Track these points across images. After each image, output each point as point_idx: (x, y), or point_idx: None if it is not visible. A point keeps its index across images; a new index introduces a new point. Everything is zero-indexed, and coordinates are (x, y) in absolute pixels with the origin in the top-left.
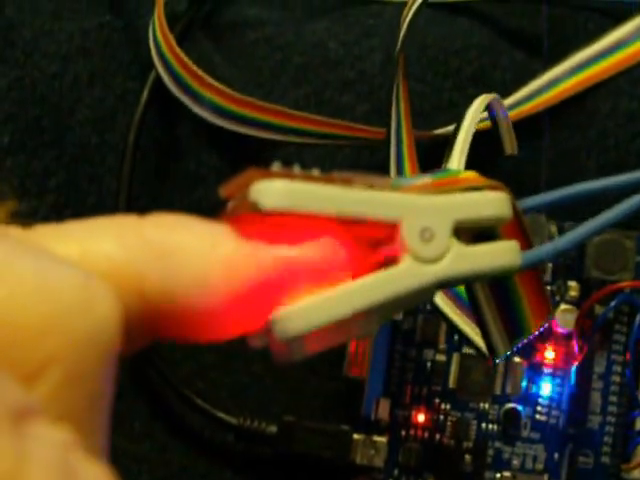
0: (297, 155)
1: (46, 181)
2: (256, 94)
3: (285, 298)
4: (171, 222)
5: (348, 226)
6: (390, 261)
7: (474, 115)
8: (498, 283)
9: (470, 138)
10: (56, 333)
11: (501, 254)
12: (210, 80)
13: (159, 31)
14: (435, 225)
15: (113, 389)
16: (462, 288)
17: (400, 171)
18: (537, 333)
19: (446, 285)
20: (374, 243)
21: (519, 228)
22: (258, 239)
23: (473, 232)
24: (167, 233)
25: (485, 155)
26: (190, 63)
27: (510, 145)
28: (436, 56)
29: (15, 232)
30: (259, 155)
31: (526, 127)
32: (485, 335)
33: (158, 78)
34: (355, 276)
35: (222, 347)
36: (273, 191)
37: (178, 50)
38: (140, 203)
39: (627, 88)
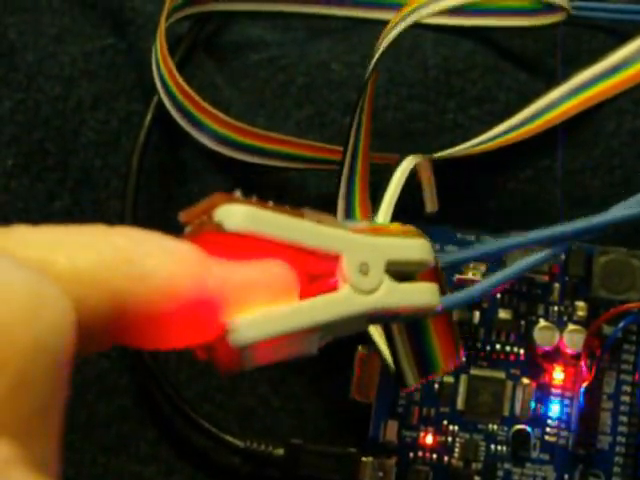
0: (300, 178)
1: (50, 204)
2: (259, 115)
3: (238, 312)
4: (138, 233)
5: (297, 254)
6: (329, 291)
7: (402, 174)
8: (413, 324)
9: (397, 195)
10: (1, 341)
11: (425, 293)
12: (211, 108)
13: (161, 58)
14: (371, 261)
15: (64, 398)
16: None
17: (350, 192)
18: (448, 372)
19: (376, 318)
20: (315, 276)
21: (436, 275)
22: (218, 257)
23: (396, 274)
24: (135, 242)
25: (489, 177)
26: (191, 91)
27: (431, 204)
28: (439, 77)
29: None
30: (262, 178)
31: (530, 147)
32: (397, 367)
33: (161, 101)
34: (300, 299)
35: None
36: (237, 214)
37: (179, 78)
38: (144, 226)
39: (631, 107)
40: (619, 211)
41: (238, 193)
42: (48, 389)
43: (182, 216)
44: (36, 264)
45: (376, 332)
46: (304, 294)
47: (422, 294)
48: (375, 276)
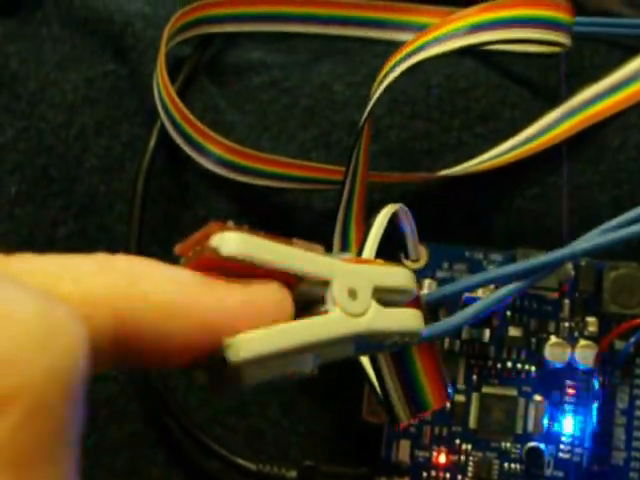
0: (305, 198)
1: (55, 231)
2: (263, 138)
3: (234, 331)
4: (138, 258)
5: (289, 280)
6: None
7: (384, 217)
8: (400, 359)
9: (379, 237)
10: (17, 367)
11: (410, 318)
12: (213, 133)
13: (162, 84)
14: (359, 287)
15: (80, 424)
16: None
17: (346, 220)
18: (439, 408)
19: (363, 345)
20: (305, 304)
21: (419, 305)
22: (215, 278)
23: (381, 303)
24: (136, 265)
25: (496, 194)
26: (192, 117)
27: (415, 252)
28: (442, 95)
29: None
30: (267, 200)
31: (536, 164)
32: (387, 405)
33: (164, 126)
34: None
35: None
36: (232, 239)
37: (180, 104)
38: (150, 250)
39: (637, 121)
40: (593, 239)
41: (231, 223)
42: (64, 416)
43: (177, 249)
44: (42, 288)
45: (371, 370)
46: (297, 317)
47: (408, 318)
48: (363, 301)
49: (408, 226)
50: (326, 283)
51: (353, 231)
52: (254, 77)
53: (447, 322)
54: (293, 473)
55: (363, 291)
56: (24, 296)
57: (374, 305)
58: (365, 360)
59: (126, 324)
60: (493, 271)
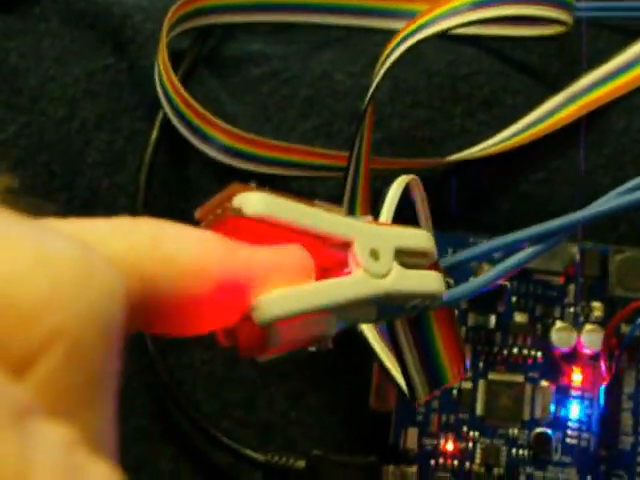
0: (309, 187)
1: None
2: (264, 129)
3: (261, 292)
4: (162, 222)
5: (311, 240)
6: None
7: (398, 185)
8: (418, 326)
9: (395, 204)
10: (56, 309)
11: (431, 280)
12: (217, 120)
13: (164, 74)
14: (381, 248)
15: (118, 367)
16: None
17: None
18: (457, 381)
19: (385, 309)
20: (327, 266)
21: (438, 269)
22: (238, 240)
23: (403, 264)
24: (161, 228)
25: (501, 180)
26: (196, 104)
27: (426, 227)
28: (443, 82)
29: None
30: (270, 188)
31: (541, 149)
32: (406, 379)
33: (166, 118)
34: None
35: (244, 385)
36: (255, 199)
37: (183, 92)
38: None
39: None
40: (610, 202)
41: (253, 183)
42: (103, 357)
43: (197, 212)
44: None
45: (385, 356)
46: (320, 280)
47: (430, 280)
48: (386, 262)
49: (420, 198)
50: (348, 244)
51: (359, 207)
52: (254, 68)
53: (464, 287)
54: (302, 463)
55: (385, 252)
56: (64, 241)
57: (396, 266)
58: (375, 341)
59: (152, 285)
60: (510, 236)
